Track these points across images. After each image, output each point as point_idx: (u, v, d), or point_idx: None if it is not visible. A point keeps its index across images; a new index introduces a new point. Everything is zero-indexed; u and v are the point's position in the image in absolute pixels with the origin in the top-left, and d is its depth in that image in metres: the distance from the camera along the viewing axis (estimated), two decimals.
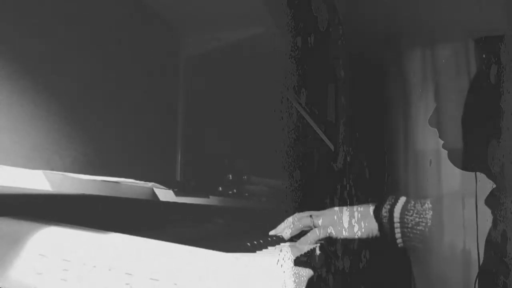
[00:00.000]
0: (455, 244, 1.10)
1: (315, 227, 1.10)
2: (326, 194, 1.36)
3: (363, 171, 1.50)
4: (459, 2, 1.36)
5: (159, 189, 0.94)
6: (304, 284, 0.79)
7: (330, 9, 1.45)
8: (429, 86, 1.45)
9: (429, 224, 1.07)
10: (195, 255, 0.64)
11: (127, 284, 0.64)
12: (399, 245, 1.10)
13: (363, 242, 1.14)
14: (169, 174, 1.55)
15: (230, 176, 1.49)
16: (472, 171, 1.18)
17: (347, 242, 1.13)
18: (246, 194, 1.48)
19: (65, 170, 1.01)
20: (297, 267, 0.78)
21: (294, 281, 0.73)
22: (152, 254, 0.65)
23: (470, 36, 1.32)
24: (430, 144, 1.40)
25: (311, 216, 1.11)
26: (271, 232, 1.11)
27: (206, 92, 1.62)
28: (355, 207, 1.14)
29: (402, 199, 1.11)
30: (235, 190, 1.44)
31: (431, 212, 1.08)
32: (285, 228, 1.11)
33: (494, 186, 1.12)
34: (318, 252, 1.03)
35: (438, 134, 1.22)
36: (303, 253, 0.92)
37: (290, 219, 1.13)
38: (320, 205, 1.28)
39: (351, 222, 1.12)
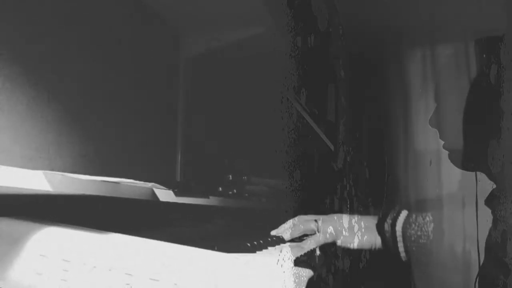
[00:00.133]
0: (455, 246, 1.11)
1: (318, 232, 1.10)
2: (326, 194, 1.36)
3: (363, 171, 1.50)
4: (459, 2, 1.36)
5: (159, 189, 0.94)
6: (304, 284, 0.79)
7: (330, 9, 1.45)
8: (429, 86, 1.45)
9: (431, 237, 1.07)
10: (195, 256, 0.64)
11: (127, 284, 0.64)
12: (403, 259, 1.11)
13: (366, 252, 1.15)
14: (169, 174, 1.55)
15: (230, 176, 1.49)
16: (472, 171, 1.18)
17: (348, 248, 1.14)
18: (246, 195, 1.48)
19: (65, 170, 1.01)
20: (297, 267, 0.78)
21: (294, 281, 0.73)
22: (152, 254, 0.65)
23: (470, 36, 1.32)
24: (430, 144, 1.40)
25: (316, 220, 1.11)
26: (273, 232, 1.11)
27: (206, 92, 1.62)
28: (358, 218, 1.15)
29: (404, 213, 1.12)
30: (235, 191, 1.44)
31: (432, 225, 1.08)
32: (286, 229, 1.11)
33: (494, 186, 1.12)
34: (318, 252, 1.03)
35: (438, 135, 1.22)
36: (303, 253, 0.92)
37: (292, 221, 1.13)
38: (320, 205, 1.28)
39: (354, 232, 1.12)
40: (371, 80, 1.53)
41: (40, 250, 0.68)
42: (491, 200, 1.11)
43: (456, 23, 1.39)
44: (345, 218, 1.14)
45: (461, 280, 1.15)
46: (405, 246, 1.10)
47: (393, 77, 1.53)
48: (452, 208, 1.16)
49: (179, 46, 1.62)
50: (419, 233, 1.08)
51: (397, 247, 1.10)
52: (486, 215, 1.09)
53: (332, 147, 1.45)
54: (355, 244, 1.12)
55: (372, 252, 1.14)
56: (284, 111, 1.32)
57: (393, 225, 1.11)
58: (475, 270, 1.10)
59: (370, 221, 1.15)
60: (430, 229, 1.08)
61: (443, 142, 1.21)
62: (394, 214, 1.12)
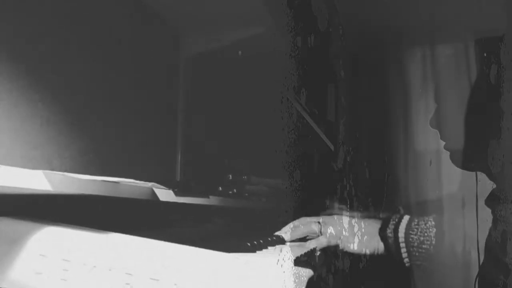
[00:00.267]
0: (455, 246, 1.11)
1: (321, 234, 1.10)
2: (326, 194, 1.36)
3: (363, 171, 1.50)
4: (459, 2, 1.36)
5: (159, 189, 0.94)
6: (304, 284, 0.79)
7: (330, 9, 1.45)
8: (429, 86, 1.45)
9: (433, 242, 1.08)
10: (195, 255, 0.64)
11: (127, 284, 0.64)
12: (406, 265, 1.11)
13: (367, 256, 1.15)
14: (169, 174, 1.55)
15: (230, 176, 1.49)
16: (473, 171, 1.18)
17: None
18: (246, 194, 1.48)
19: (65, 170, 1.01)
20: (297, 267, 0.78)
21: (294, 281, 0.73)
22: (152, 254, 0.65)
23: (470, 36, 1.32)
24: (430, 144, 1.40)
25: (319, 222, 1.11)
26: (276, 233, 1.11)
27: (206, 92, 1.62)
28: (360, 221, 1.15)
29: (406, 218, 1.12)
30: (235, 190, 1.44)
31: (434, 230, 1.09)
32: (287, 231, 1.11)
33: (494, 186, 1.12)
34: (318, 252, 1.03)
35: (439, 135, 1.22)
36: (303, 253, 0.92)
37: (294, 222, 1.13)
38: (320, 205, 1.28)
39: (357, 235, 1.12)
40: (371, 80, 1.53)
41: (40, 250, 0.68)
42: (491, 200, 1.11)
43: (456, 23, 1.39)
44: (346, 221, 1.14)
45: (461, 280, 1.15)
46: (408, 252, 1.10)
47: (393, 77, 1.53)
48: (453, 208, 1.16)
49: (179, 46, 1.62)
50: (421, 238, 1.09)
51: (400, 253, 1.10)
52: (486, 215, 1.09)
53: (332, 147, 1.45)
54: (357, 248, 1.12)
55: (374, 257, 1.14)
56: (284, 111, 1.32)
57: (396, 231, 1.11)
58: (475, 270, 1.10)
59: (373, 226, 1.14)
60: (433, 234, 1.08)
61: (444, 143, 1.21)
62: (396, 220, 1.12)
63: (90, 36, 1.14)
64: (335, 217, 1.14)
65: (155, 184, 0.92)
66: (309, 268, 0.84)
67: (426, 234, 1.09)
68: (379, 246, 1.13)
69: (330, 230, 1.10)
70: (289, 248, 0.95)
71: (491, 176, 1.14)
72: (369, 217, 1.18)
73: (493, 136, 1.13)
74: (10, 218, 0.71)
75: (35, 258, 0.68)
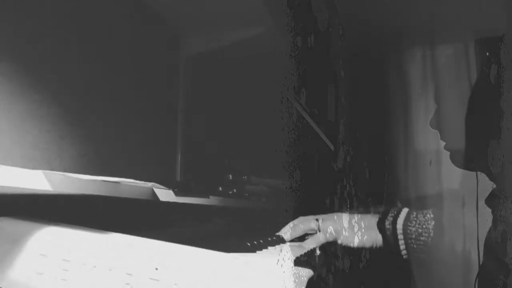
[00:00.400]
0: (455, 244, 1.11)
1: (319, 231, 1.10)
2: (326, 194, 1.36)
3: (363, 171, 1.49)
4: (459, 2, 1.36)
5: (159, 189, 0.94)
6: (304, 284, 0.79)
7: (330, 9, 1.45)
8: (429, 86, 1.45)
9: (431, 234, 1.08)
10: (195, 255, 0.64)
11: (127, 284, 0.64)
12: (404, 257, 1.11)
13: (366, 250, 1.15)
14: (169, 174, 1.55)
15: (230, 176, 1.49)
16: (473, 170, 1.18)
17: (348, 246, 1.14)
18: (246, 194, 1.48)
19: (65, 170, 1.01)
20: (297, 267, 0.78)
21: (294, 281, 0.73)
22: (152, 254, 0.65)
23: (470, 36, 1.32)
24: (430, 144, 1.40)
25: (317, 219, 1.11)
26: (277, 233, 1.11)
27: (206, 92, 1.62)
28: (359, 216, 1.15)
29: (405, 211, 1.12)
30: (235, 190, 1.44)
31: (433, 222, 1.09)
32: (287, 230, 1.11)
33: (494, 186, 1.12)
34: (318, 252, 1.03)
35: (439, 136, 1.22)
36: (303, 253, 0.92)
37: (292, 222, 1.13)
38: (320, 205, 1.28)
39: (355, 231, 1.13)
40: (371, 80, 1.53)
41: (40, 250, 0.68)
42: (491, 200, 1.11)
43: (456, 23, 1.39)
44: (345, 217, 1.14)
45: (461, 280, 1.15)
46: (406, 244, 1.10)
47: (393, 77, 1.53)
48: (453, 207, 1.16)
49: (179, 46, 1.62)
50: (420, 230, 1.09)
51: (398, 245, 1.11)
52: (486, 215, 1.09)
53: (332, 147, 1.45)
54: (355, 242, 1.12)
55: (373, 250, 1.14)
56: (284, 111, 1.32)
57: (394, 222, 1.11)
58: (475, 270, 1.10)
59: (371, 219, 1.15)
60: (431, 226, 1.09)
61: (444, 143, 1.21)
62: (395, 212, 1.13)
63: (90, 36, 1.15)
64: (333, 214, 1.15)
65: (155, 184, 0.92)
66: (309, 268, 0.84)
67: (424, 226, 1.09)
68: (378, 238, 1.13)
69: (327, 226, 1.11)
70: (289, 248, 0.95)
71: (491, 176, 1.13)
72: (368, 213, 1.19)
73: (493, 136, 1.13)
74: (10, 218, 0.71)
75: (35, 257, 0.68)
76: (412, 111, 1.50)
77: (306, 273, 0.84)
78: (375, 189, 1.45)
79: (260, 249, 0.87)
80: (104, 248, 0.66)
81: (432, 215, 1.10)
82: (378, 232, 1.13)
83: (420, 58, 1.47)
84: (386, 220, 1.12)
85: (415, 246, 1.09)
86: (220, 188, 1.42)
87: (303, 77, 1.34)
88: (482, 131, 1.17)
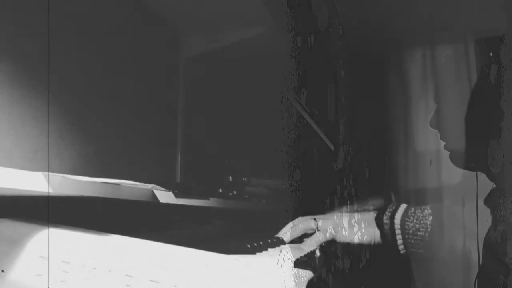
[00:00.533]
0: (455, 244, 1.11)
1: (318, 230, 1.10)
2: (326, 194, 1.36)
3: (363, 171, 1.49)
4: (459, 2, 1.36)
5: (159, 190, 0.94)
6: (304, 285, 0.79)
7: (330, 9, 1.45)
8: (429, 86, 1.44)
9: (429, 229, 1.08)
10: (195, 257, 0.65)
11: (127, 286, 0.64)
12: (401, 252, 1.11)
13: (364, 247, 1.15)
14: (169, 174, 1.55)
15: (230, 177, 1.49)
16: (473, 170, 1.18)
17: (347, 245, 1.14)
18: (246, 196, 1.48)
19: (65, 171, 1.01)
20: (297, 268, 0.78)
21: (294, 282, 0.73)
22: (152, 256, 0.65)
23: (470, 36, 1.32)
24: (430, 144, 1.40)
25: (315, 219, 1.12)
26: (276, 235, 1.12)
27: (206, 92, 1.62)
28: (359, 215, 1.15)
29: (403, 206, 1.13)
30: (235, 192, 1.44)
31: (431, 218, 1.09)
32: (286, 231, 1.12)
33: (494, 186, 1.12)
34: (318, 253, 1.03)
35: (439, 136, 1.22)
36: (303, 254, 0.92)
37: (292, 222, 1.13)
38: (320, 205, 1.28)
39: (353, 227, 1.13)
40: (371, 80, 1.53)
41: (40, 252, 0.68)
42: (491, 200, 1.11)
43: (456, 23, 1.39)
44: (344, 216, 1.14)
45: (461, 280, 1.15)
46: (403, 238, 1.10)
47: (393, 77, 1.53)
48: (452, 207, 1.16)
49: (179, 46, 1.62)
50: (417, 225, 1.09)
51: (395, 240, 1.11)
52: (486, 215, 1.09)
53: (332, 147, 1.45)
54: (354, 238, 1.13)
55: (371, 247, 1.14)
56: (284, 111, 1.32)
57: (392, 217, 1.11)
58: (475, 270, 1.11)
59: (369, 214, 1.15)
60: (429, 222, 1.09)
61: (444, 143, 1.21)
62: (393, 208, 1.13)
63: (90, 36, 1.14)
64: (333, 214, 1.15)
65: (155, 186, 0.92)
66: (309, 269, 0.84)
67: (422, 221, 1.09)
68: (376, 234, 1.13)
69: (327, 225, 1.11)
70: (289, 249, 0.95)
71: (491, 176, 1.14)
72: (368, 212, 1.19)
73: (493, 136, 1.13)
74: (10, 219, 0.71)
75: (35, 259, 0.68)
76: (412, 111, 1.50)
77: (306, 274, 0.85)
78: (375, 189, 1.45)
79: (260, 251, 0.87)
80: (104, 250, 0.67)
81: (430, 211, 1.10)
82: (376, 228, 1.13)
83: (420, 58, 1.47)
84: (384, 215, 1.13)
85: (412, 241, 1.09)
86: (220, 190, 1.42)
87: (303, 77, 1.34)
88: (482, 131, 1.17)
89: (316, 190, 1.39)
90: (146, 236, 0.69)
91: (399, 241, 1.11)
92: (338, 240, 1.11)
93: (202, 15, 1.50)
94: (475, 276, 1.10)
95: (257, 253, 0.84)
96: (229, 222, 1.31)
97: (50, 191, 0.66)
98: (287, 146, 1.29)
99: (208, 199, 1.15)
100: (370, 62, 1.54)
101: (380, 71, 1.53)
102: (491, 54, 1.18)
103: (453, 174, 1.29)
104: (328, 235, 1.10)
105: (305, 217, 1.14)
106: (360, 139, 1.52)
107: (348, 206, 1.32)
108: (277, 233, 1.12)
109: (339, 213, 1.15)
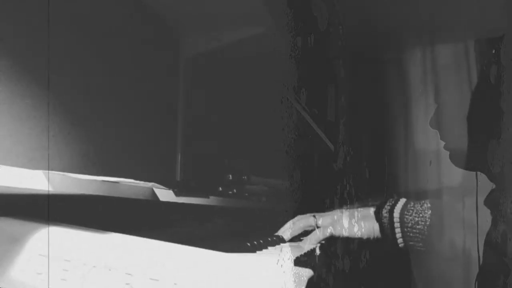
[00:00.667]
0: (455, 244, 1.11)
1: (318, 227, 1.10)
2: (326, 194, 1.36)
3: (363, 171, 1.49)
4: (459, 2, 1.36)
5: (159, 189, 0.94)
6: (304, 284, 0.79)
7: (330, 9, 1.45)
8: (429, 86, 1.44)
9: (428, 223, 1.08)
10: (195, 255, 0.65)
11: (127, 284, 0.64)
12: (399, 245, 1.11)
13: (364, 242, 1.15)
14: (169, 174, 1.55)
15: (230, 176, 1.48)
16: (473, 170, 1.18)
17: (347, 242, 1.14)
18: (246, 194, 1.48)
19: (65, 170, 1.01)
20: (297, 267, 0.78)
21: (294, 281, 0.73)
22: (152, 254, 0.65)
23: (470, 36, 1.32)
24: (430, 144, 1.40)
25: (314, 216, 1.12)
26: (276, 233, 1.12)
27: (206, 92, 1.62)
28: (358, 214, 1.15)
29: (402, 200, 1.12)
30: (235, 190, 1.44)
31: (429, 211, 1.09)
32: (286, 230, 1.12)
33: (494, 186, 1.12)
34: (318, 251, 1.03)
35: (439, 136, 1.22)
36: (303, 253, 0.92)
37: (291, 220, 1.13)
38: (320, 205, 1.28)
39: (352, 222, 1.13)
40: (371, 80, 1.53)
41: (40, 250, 0.68)
42: (491, 200, 1.11)
43: (456, 23, 1.39)
44: (344, 214, 1.14)
45: (461, 274, 1.15)
46: (402, 232, 1.10)
47: (393, 77, 1.53)
48: (452, 208, 1.16)
49: (179, 46, 1.62)
50: (416, 219, 1.09)
51: (394, 233, 1.11)
52: (486, 215, 1.09)
53: (332, 147, 1.45)
54: (354, 233, 1.13)
55: (371, 241, 1.14)
56: (284, 111, 1.32)
57: (391, 211, 1.11)
58: (474, 265, 1.11)
59: (368, 209, 1.15)
60: (428, 215, 1.09)
61: (444, 143, 1.21)
62: (392, 202, 1.13)
63: (90, 36, 1.15)
64: (335, 215, 1.15)
65: (155, 184, 0.92)
66: (309, 268, 0.84)
67: (421, 215, 1.09)
68: (375, 228, 1.13)
69: (326, 223, 1.11)
70: (289, 248, 0.95)
71: (491, 176, 1.14)
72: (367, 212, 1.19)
73: (493, 136, 1.13)
74: (10, 217, 0.71)
75: (35, 258, 0.68)
76: (412, 111, 1.50)
77: (306, 273, 0.84)
78: (375, 189, 1.45)
79: (260, 249, 0.87)
80: (104, 248, 0.67)
81: (429, 205, 1.10)
82: (375, 221, 1.13)
83: (420, 58, 1.47)
84: (384, 209, 1.12)
85: (411, 234, 1.09)
86: (220, 188, 1.41)
87: (303, 77, 1.34)
88: (482, 131, 1.17)
89: (316, 190, 1.39)
90: (146, 234, 0.69)
91: (398, 235, 1.10)
92: (337, 235, 1.11)
93: (202, 15, 1.50)
94: (475, 274, 1.10)
95: (257, 252, 0.84)
96: (229, 221, 1.31)
97: (50, 189, 0.66)
98: (287, 146, 1.29)
99: (208, 198, 1.15)
100: (370, 62, 1.54)
101: (380, 71, 1.53)
102: (492, 52, 1.18)
103: (453, 174, 1.29)
104: (327, 232, 1.10)
105: (304, 215, 1.14)
106: (360, 139, 1.52)
107: (348, 205, 1.32)
108: (277, 231, 1.12)
109: (339, 211, 1.15)
